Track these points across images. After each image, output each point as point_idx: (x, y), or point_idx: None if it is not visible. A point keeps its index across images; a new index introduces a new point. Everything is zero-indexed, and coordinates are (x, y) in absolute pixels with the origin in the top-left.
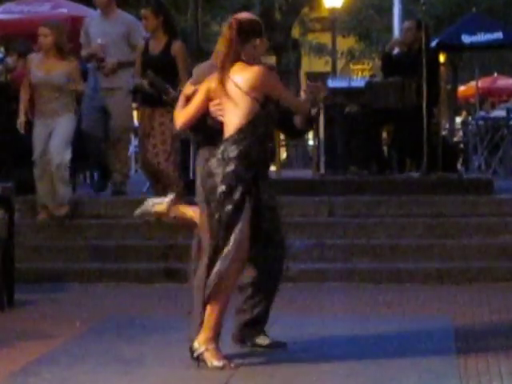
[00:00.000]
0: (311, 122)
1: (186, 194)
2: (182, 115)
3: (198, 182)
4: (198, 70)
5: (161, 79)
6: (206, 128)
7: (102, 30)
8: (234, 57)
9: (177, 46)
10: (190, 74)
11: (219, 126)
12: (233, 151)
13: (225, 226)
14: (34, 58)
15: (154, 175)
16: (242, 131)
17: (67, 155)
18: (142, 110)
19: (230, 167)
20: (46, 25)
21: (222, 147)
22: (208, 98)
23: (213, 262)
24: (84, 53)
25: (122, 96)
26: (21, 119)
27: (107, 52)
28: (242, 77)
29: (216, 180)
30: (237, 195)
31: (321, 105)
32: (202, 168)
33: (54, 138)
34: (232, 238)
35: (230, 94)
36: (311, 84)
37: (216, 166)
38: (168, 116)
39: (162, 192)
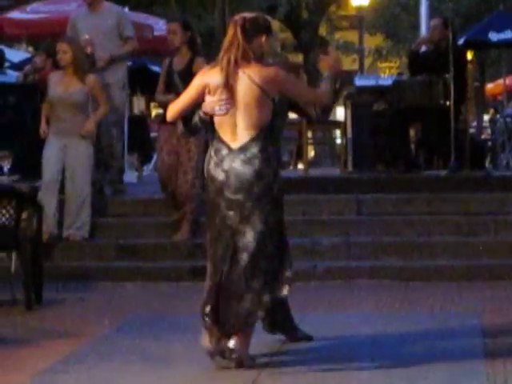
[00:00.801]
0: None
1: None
2: (173, 109)
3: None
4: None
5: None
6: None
7: (91, 24)
8: (242, 54)
9: (199, 63)
10: None
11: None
12: (260, 150)
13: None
14: (54, 75)
15: (170, 192)
16: (262, 130)
17: (89, 187)
18: (164, 127)
19: (267, 167)
20: (65, 40)
21: (241, 146)
22: (202, 93)
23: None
24: None
25: (118, 91)
26: (43, 127)
27: (98, 46)
28: (260, 75)
29: (251, 180)
30: (277, 194)
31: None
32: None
33: (75, 172)
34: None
35: (244, 91)
36: (325, 60)
37: (242, 166)
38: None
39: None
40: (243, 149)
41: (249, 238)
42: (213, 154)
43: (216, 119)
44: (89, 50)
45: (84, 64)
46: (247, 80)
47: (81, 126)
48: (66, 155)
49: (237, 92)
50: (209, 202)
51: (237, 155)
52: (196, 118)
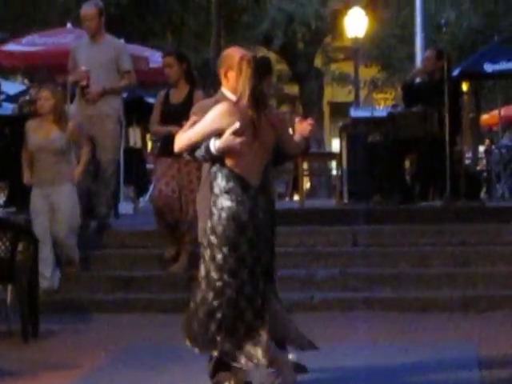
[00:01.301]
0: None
1: None
2: (183, 142)
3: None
4: (202, 107)
5: None
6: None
7: (90, 55)
8: (264, 96)
9: (199, 96)
10: None
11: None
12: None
13: None
14: (32, 122)
15: (172, 222)
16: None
17: (75, 235)
18: (163, 160)
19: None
20: (48, 88)
21: (260, 184)
22: (218, 132)
23: None
24: (70, 79)
25: (111, 124)
26: (27, 176)
27: (95, 77)
28: (276, 119)
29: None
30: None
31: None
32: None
33: (59, 221)
34: None
35: (267, 133)
36: (302, 125)
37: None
38: (193, 165)
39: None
40: (262, 187)
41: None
42: (227, 190)
43: (232, 156)
44: (85, 82)
45: (64, 113)
46: (267, 122)
47: (64, 172)
48: (51, 203)
49: (260, 133)
50: (224, 236)
51: (259, 192)
52: (202, 152)
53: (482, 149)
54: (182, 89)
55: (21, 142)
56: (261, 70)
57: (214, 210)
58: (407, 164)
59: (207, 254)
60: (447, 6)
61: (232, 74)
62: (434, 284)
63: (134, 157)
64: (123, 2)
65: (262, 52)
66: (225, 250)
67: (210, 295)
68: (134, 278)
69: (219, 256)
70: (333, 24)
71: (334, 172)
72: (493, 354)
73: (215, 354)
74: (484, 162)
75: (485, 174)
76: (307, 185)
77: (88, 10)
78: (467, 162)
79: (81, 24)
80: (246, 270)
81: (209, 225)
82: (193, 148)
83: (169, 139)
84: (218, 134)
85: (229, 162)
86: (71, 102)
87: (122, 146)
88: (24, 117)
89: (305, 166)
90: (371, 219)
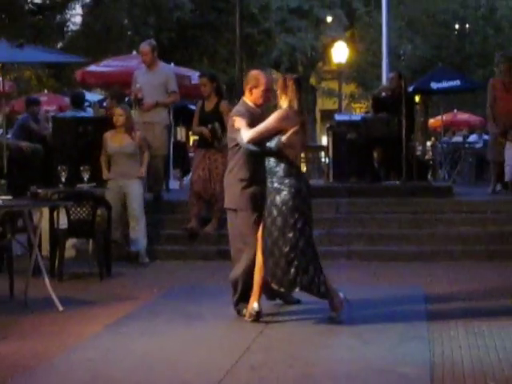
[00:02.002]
0: None
1: None
2: (253, 135)
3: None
4: (236, 110)
5: (219, 127)
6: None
7: (146, 79)
8: None
9: (224, 105)
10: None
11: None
12: None
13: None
14: (108, 134)
15: (207, 197)
16: None
17: (143, 212)
18: (199, 151)
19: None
20: (121, 107)
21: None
22: (278, 130)
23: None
24: (132, 95)
25: (160, 129)
26: (106, 173)
27: (148, 95)
28: None
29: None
30: None
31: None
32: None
33: (132, 204)
34: None
35: (305, 132)
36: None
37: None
38: (219, 154)
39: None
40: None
41: None
42: (291, 173)
43: (291, 148)
44: (139, 95)
45: (133, 124)
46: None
47: (133, 170)
48: (125, 194)
49: (304, 131)
50: (294, 205)
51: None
52: (273, 144)
53: (429, 144)
54: (212, 100)
55: (99, 136)
56: (299, 86)
57: (284, 188)
58: (375, 154)
59: (279, 221)
60: (405, 41)
61: (255, 91)
62: (394, 241)
63: (180, 148)
64: (174, 37)
65: (273, 73)
66: (296, 215)
67: (287, 249)
68: (179, 234)
69: (291, 220)
70: (323, 53)
71: (323, 160)
72: (435, 292)
73: (297, 290)
74: (430, 153)
75: (431, 162)
76: (304, 169)
77: (144, 48)
78: (418, 153)
79: None
80: (309, 228)
81: (278, 199)
82: (259, 140)
83: (203, 136)
84: (279, 131)
85: (287, 152)
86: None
87: (172, 140)
88: (99, 119)
89: (302, 155)
90: (350, 194)
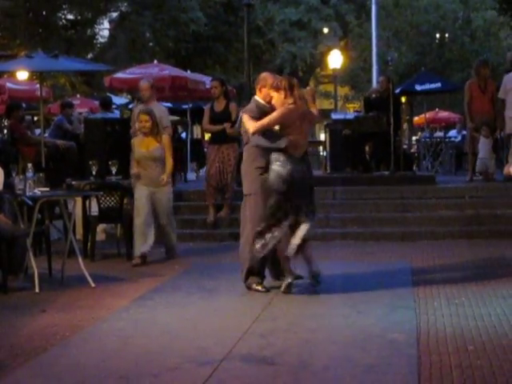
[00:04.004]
0: None
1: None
2: (257, 128)
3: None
4: (247, 108)
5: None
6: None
7: None
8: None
9: (232, 106)
10: (236, 118)
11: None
12: None
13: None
14: (136, 139)
15: (221, 187)
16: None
17: (173, 221)
18: (212, 146)
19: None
20: (146, 112)
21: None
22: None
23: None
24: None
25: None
26: (134, 171)
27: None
28: (311, 116)
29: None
30: None
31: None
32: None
33: (160, 212)
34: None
35: (307, 124)
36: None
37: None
38: (231, 149)
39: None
40: (302, 158)
41: None
42: (276, 159)
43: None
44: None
45: (159, 129)
46: (308, 117)
47: (161, 173)
48: (155, 199)
49: (305, 123)
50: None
51: (299, 161)
52: (282, 144)
53: (414, 138)
54: (222, 102)
55: (125, 135)
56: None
57: (270, 173)
58: (367, 148)
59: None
60: (392, 49)
61: (264, 90)
62: (384, 223)
63: (197, 144)
64: (190, 48)
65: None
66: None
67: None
68: (197, 219)
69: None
70: (320, 60)
71: (322, 153)
72: (420, 268)
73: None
74: (415, 147)
75: (416, 155)
76: None
77: (144, 84)
78: (404, 147)
79: (164, 60)
80: (285, 207)
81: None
82: (262, 131)
83: (215, 133)
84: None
85: (290, 144)
86: None
87: (189, 137)
88: (125, 119)
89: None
90: (345, 182)
